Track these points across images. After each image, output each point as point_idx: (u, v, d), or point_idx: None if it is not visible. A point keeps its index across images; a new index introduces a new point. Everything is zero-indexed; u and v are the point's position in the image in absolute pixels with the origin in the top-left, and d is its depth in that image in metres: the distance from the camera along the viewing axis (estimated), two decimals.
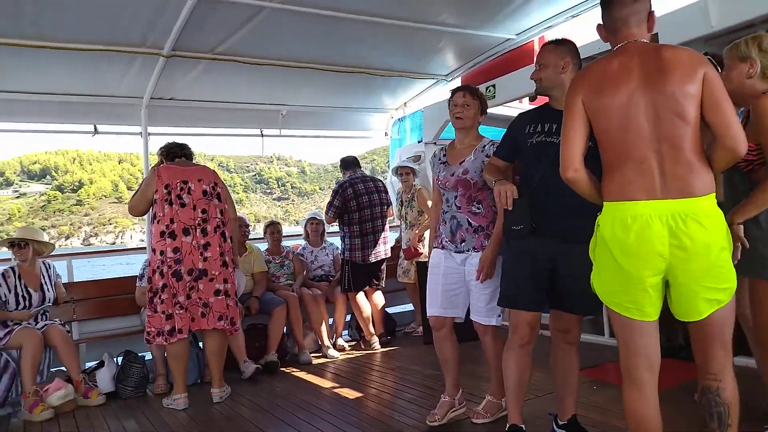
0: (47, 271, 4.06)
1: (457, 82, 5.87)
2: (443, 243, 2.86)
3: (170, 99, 4.95)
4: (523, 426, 2.44)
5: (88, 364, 4.19)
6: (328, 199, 4.90)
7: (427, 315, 2.91)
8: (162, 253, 3.51)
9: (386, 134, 6.56)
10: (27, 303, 3.88)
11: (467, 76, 5.70)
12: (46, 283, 4.00)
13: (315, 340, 4.88)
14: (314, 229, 5.32)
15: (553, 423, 2.59)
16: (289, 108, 5.62)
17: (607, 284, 1.81)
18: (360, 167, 5.11)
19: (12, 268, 3.91)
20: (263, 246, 5.14)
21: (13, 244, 3.92)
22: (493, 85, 4.82)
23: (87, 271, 4.78)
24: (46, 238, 4.18)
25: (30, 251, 3.91)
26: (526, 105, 5.47)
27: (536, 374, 3.43)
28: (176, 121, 5.21)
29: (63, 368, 3.88)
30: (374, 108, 6.32)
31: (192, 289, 3.55)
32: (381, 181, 5.11)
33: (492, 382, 2.95)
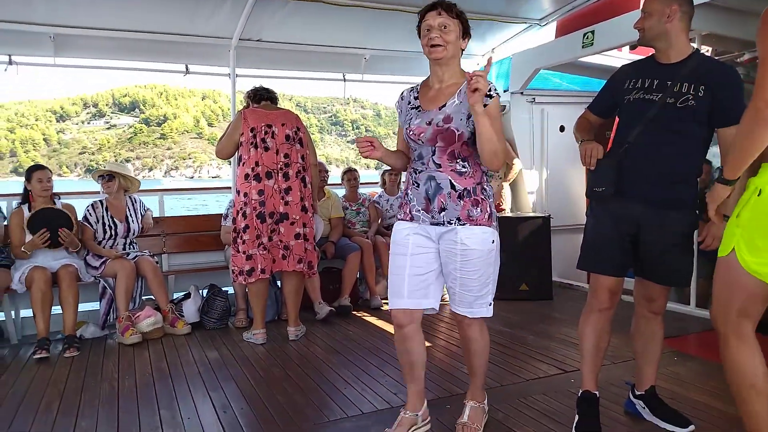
0: (133, 204, 4.38)
1: (551, 27, 5.58)
2: (413, 212, 2.24)
3: (258, 40, 5.01)
4: (596, 393, 2.44)
5: (176, 295, 4.54)
6: None
7: (390, 307, 2.33)
8: (246, 195, 3.67)
9: None
10: (113, 232, 4.22)
11: (564, 21, 5.40)
12: (131, 215, 4.32)
13: (386, 287, 4.98)
14: (392, 180, 5.37)
15: (630, 392, 2.56)
16: (372, 52, 5.55)
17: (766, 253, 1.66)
18: None
19: (101, 201, 4.26)
20: (340, 192, 5.26)
21: (102, 176, 4.26)
22: (592, 31, 4.54)
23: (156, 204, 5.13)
24: (131, 173, 4.47)
25: (116, 184, 4.23)
26: (626, 54, 5.15)
27: (614, 340, 3.39)
28: (262, 63, 5.28)
29: (153, 297, 4.23)
30: None
31: (273, 232, 3.71)
32: None
33: (472, 382, 2.45)
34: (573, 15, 5.30)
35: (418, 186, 2.22)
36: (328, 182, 5.16)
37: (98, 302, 4.22)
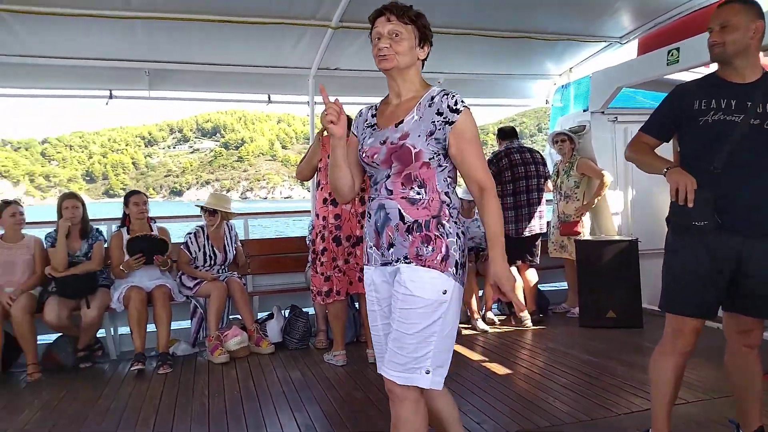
0: (229, 232, 4.57)
1: (633, 45, 5.41)
2: (367, 251, 1.92)
3: (335, 69, 5.21)
4: None
5: (260, 315, 4.69)
6: None
7: (380, 372, 1.83)
8: (324, 218, 3.79)
9: (547, 102, 6.29)
10: (212, 261, 4.42)
11: (645, 39, 5.22)
12: (228, 244, 4.52)
13: (464, 311, 4.96)
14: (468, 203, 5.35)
15: None
16: (445, 76, 5.60)
17: None
18: (518, 138, 5.00)
19: (201, 228, 4.46)
20: None
21: (206, 210, 4.45)
22: (677, 48, 4.37)
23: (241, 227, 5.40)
24: (230, 204, 4.64)
25: (219, 218, 4.43)
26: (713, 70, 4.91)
27: (711, 371, 3.21)
28: (339, 90, 5.45)
29: (239, 317, 4.40)
30: (535, 74, 6.06)
31: (350, 255, 3.79)
32: (539, 152, 4.95)
33: None
34: (655, 32, 5.12)
35: (370, 217, 1.90)
36: None
37: (189, 321, 4.43)
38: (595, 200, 5.00)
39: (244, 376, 3.73)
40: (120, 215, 4.44)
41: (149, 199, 4.51)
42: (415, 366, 1.74)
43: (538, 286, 5.04)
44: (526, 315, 4.78)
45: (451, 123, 1.76)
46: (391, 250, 1.81)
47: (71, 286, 3.96)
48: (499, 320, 4.99)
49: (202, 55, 4.82)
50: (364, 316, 4.00)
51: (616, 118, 5.39)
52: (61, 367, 4.07)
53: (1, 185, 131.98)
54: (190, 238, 4.41)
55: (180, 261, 4.36)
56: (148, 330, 4.09)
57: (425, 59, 1.88)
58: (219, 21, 4.22)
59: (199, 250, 4.39)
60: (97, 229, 4.37)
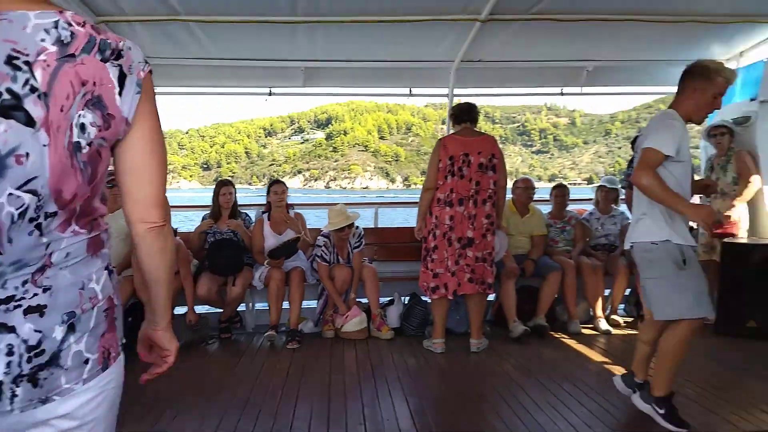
0: (352, 238, 4.77)
1: None
2: None
3: (478, 61, 5.31)
4: None
5: (381, 300, 4.98)
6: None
7: None
8: (437, 217, 4.04)
9: None
10: (334, 258, 4.75)
11: None
12: (351, 251, 4.77)
13: (587, 311, 4.92)
14: (603, 197, 5.26)
15: None
16: (595, 64, 5.49)
17: None
18: None
19: (329, 238, 4.72)
20: (546, 208, 5.29)
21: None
22: None
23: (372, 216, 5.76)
24: (347, 215, 4.70)
25: (349, 233, 4.69)
26: None
27: None
28: (481, 82, 5.60)
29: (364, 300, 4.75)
30: (695, 60, 5.66)
31: (460, 256, 4.02)
32: None
33: None
34: None
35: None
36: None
37: (316, 301, 4.87)
38: (740, 205, 4.71)
39: (363, 357, 4.08)
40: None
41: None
42: None
43: None
44: None
45: (137, 82, 1.05)
46: (46, 381, 1.01)
47: (222, 265, 4.54)
48: (624, 322, 4.90)
49: (352, 53, 5.16)
50: (469, 308, 4.19)
51: None
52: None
53: None
54: (321, 251, 4.67)
55: (320, 274, 4.65)
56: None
57: None
58: (375, 21, 4.46)
59: (329, 254, 4.72)
60: (246, 214, 5.01)
